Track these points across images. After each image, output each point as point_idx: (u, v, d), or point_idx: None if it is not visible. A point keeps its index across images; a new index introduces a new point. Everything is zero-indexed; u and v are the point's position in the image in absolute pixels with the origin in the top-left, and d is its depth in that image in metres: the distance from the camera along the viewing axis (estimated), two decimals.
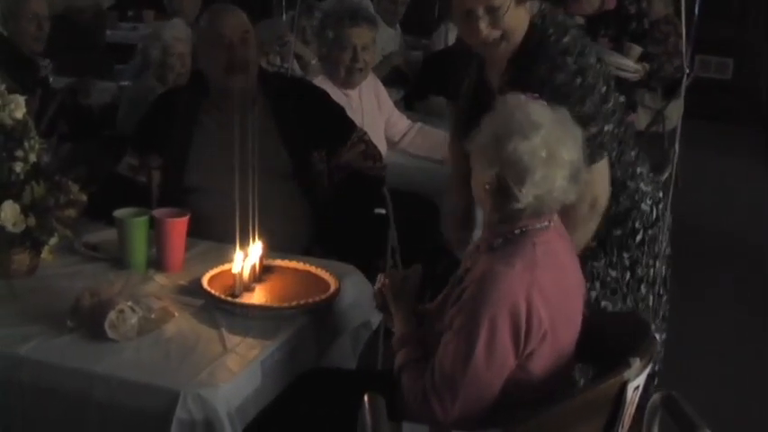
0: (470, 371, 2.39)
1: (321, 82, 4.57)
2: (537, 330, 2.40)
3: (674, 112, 7.09)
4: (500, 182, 2.43)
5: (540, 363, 2.46)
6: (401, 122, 5.04)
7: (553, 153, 2.41)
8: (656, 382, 3.16)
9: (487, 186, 2.46)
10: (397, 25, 7.82)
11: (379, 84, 5.08)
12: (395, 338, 2.66)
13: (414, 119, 5.23)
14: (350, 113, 4.06)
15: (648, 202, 3.20)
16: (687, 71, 5.35)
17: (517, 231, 2.49)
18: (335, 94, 4.44)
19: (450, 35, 7.58)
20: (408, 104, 6.04)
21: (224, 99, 3.63)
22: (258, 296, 2.80)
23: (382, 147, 4.68)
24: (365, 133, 3.91)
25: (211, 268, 2.93)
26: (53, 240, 2.94)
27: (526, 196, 2.42)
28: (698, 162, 7.96)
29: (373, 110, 4.93)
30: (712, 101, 9.38)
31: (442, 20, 7.97)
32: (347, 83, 4.75)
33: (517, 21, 2.89)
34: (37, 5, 5.48)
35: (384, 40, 7.48)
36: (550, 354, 2.46)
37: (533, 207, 2.45)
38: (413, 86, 6.39)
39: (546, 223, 2.52)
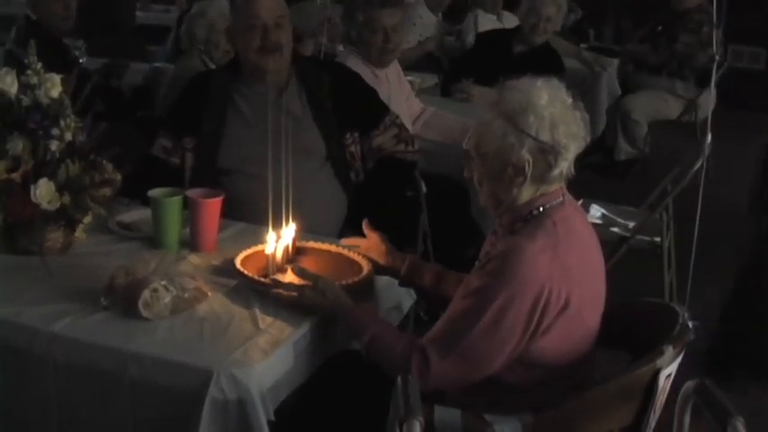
0: (472, 333, 2.42)
1: (353, 63, 4.58)
2: (555, 305, 2.42)
3: (707, 101, 7.06)
4: (541, 151, 2.45)
5: (557, 339, 2.47)
6: (415, 106, 5.06)
7: (562, 100, 2.50)
8: None
9: (528, 162, 2.46)
10: (440, 13, 7.84)
11: (398, 65, 5.10)
12: (352, 322, 2.63)
13: (447, 106, 5.25)
14: (380, 94, 4.06)
15: None
16: (718, 59, 5.32)
17: (535, 212, 2.52)
18: (366, 75, 4.45)
19: (479, 22, 7.59)
20: (444, 90, 6.05)
21: (257, 81, 3.63)
22: (291, 277, 2.80)
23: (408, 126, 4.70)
24: (398, 117, 3.91)
25: (245, 249, 2.92)
26: (87, 219, 2.96)
27: (567, 149, 2.47)
28: (729, 151, 7.92)
29: (400, 91, 4.95)
30: (745, 90, 9.31)
31: (471, 8, 7.98)
32: (379, 62, 4.77)
33: None
34: None
35: (424, 25, 7.51)
36: (569, 330, 2.48)
37: (569, 164, 2.50)
38: (450, 70, 6.38)
39: (560, 198, 2.55)
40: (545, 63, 5.99)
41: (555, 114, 2.46)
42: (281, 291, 2.68)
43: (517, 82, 2.53)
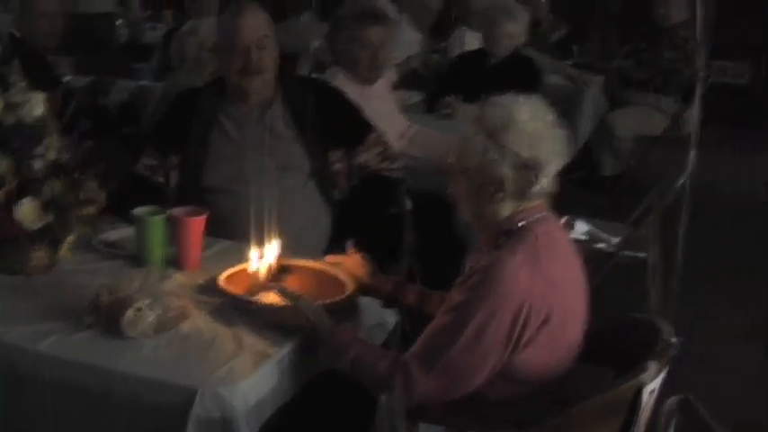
0: (454, 348, 2.42)
1: (340, 81, 4.58)
2: (536, 319, 2.43)
3: (692, 116, 7.08)
4: (522, 167, 2.47)
5: (538, 353, 2.47)
6: (400, 123, 5.06)
7: (544, 116, 2.53)
8: None
9: (509, 178, 2.48)
10: (427, 31, 7.85)
11: (388, 80, 5.11)
12: (333, 344, 2.61)
13: (431, 123, 5.27)
14: (367, 111, 4.07)
15: None
16: (702, 74, 5.35)
17: (516, 227, 2.53)
18: (355, 91, 4.45)
19: (465, 38, 7.61)
20: (429, 107, 6.07)
21: (241, 100, 3.63)
22: (274, 295, 2.80)
23: (395, 144, 4.70)
24: (382, 134, 3.92)
25: (229, 267, 2.93)
26: (71, 237, 2.96)
27: (548, 165, 2.49)
28: (713, 166, 7.95)
29: (388, 108, 4.96)
30: (730, 105, 9.35)
31: (458, 24, 8.01)
32: (367, 79, 4.78)
33: None
34: (46, 3, 5.51)
35: (409, 42, 7.52)
36: (551, 344, 2.49)
37: (550, 180, 2.52)
38: (434, 88, 6.40)
39: (542, 213, 2.57)
40: (519, 71, 6.04)
41: (536, 131, 2.48)
42: (263, 312, 2.68)
43: (499, 98, 2.55)
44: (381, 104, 4.87)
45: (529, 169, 2.48)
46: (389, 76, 5.15)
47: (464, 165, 2.53)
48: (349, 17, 4.82)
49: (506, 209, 2.54)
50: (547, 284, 2.44)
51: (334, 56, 4.94)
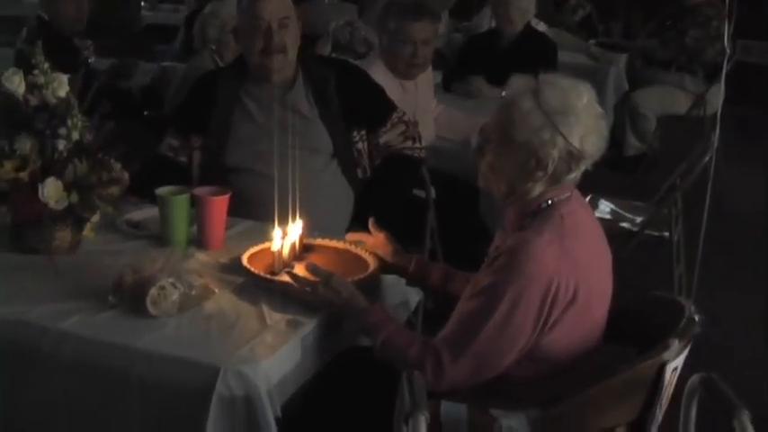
0: (483, 332, 2.42)
1: (378, 70, 4.57)
2: (563, 298, 2.42)
3: (716, 96, 7.05)
4: (568, 154, 2.48)
5: (565, 333, 2.47)
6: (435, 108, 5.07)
7: (595, 107, 2.53)
8: None
9: (554, 161, 2.48)
10: (446, 11, 7.82)
11: (431, 71, 5.08)
12: (365, 323, 2.62)
13: (450, 102, 5.26)
14: (403, 103, 4.07)
15: None
16: (728, 54, 5.32)
17: (544, 205, 2.53)
18: (392, 83, 4.47)
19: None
20: (446, 86, 6.05)
21: (263, 80, 3.64)
22: (301, 274, 2.80)
23: (430, 134, 4.70)
24: (404, 113, 3.91)
25: (252, 246, 2.93)
26: (95, 217, 2.97)
27: (589, 159, 2.52)
28: (738, 146, 7.92)
29: (427, 99, 4.95)
30: (754, 85, 9.28)
31: (485, 2, 7.97)
32: (406, 75, 4.76)
33: None
34: None
35: None
36: (577, 323, 2.48)
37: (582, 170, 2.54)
38: (452, 67, 6.39)
39: (568, 194, 2.56)
40: (534, 48, 6.00)
41: (589, 123, 2.49)
42: (294, 285, 2.68)
43: (556, 78, 2.54)
44: (421, 98, 4.86)
45: (573, 158, 2.49)
46: (431, 74, 5.11)
47: (512, 136, 2.50)
48: (397, 7, 4.80)
49: (538, 188, 2.54)
50: (573, 263, 2.44)
51: (380, 43, 4.91)
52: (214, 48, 5.29)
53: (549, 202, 2.53)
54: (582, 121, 2.48)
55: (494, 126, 2.56)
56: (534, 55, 5.61)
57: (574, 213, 2.54)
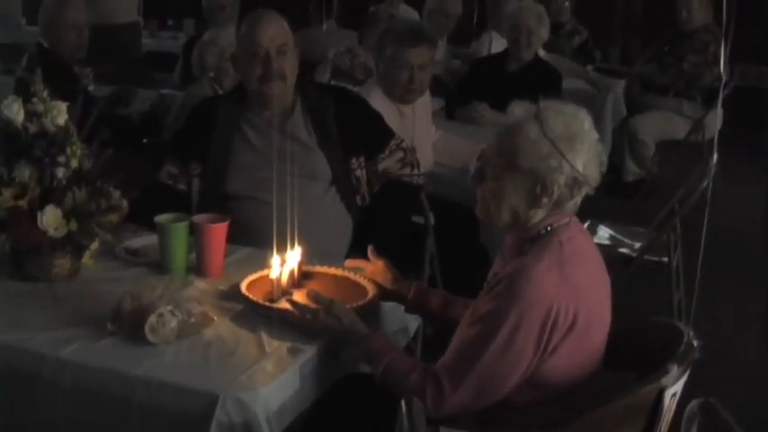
0: (484, 358, 2.42)
1: (376, 97, 4.58)
2: (563, 324, 2.42)
3: (714, 121, 7.07)
4: (573, 180, 2.50)
5: (564, 358, 2.47)
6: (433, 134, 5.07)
7: (594, 133, 2.56)
8: None
9: (560, 187, 2.50)
10: (444, 37, 7.85)
11: (428, 96, 5.09)
12: (368, 350, 2.62)
13: (452, 129, 5.27)
14: (400, 129, 4.08)
15: None
16: (725, 79, 5.33)
17: (543, 231, 2.53)
18: (389, 109, 4.48)
19: (494, 43, 7.61)
20: (449, 113, 6.07)
21: (262, 107, 3.65)
22: (301, 298, 2.80)
23: (429, 160, 4.70)
24: (403, 140, 3.92)
25: (251, 274, 2.93)
26: (94, 245, 2.97)
27: (589, 186, 2.53)
28: (736, 170, 7.93)
29: (425, 124, 4.95)
30: (753, 110, 9.30)
31: (485, 28, 7.99)
32: (403, 100, 4.76)
33: None
34: (75, 15, 5.55)
35: None
36: (576, 349, 2.48)
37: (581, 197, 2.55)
38: (454, 93, 6.40)
39: (567, 219, 2.57)
40: (540, 76, 6.02)
41: (591, 148, 2.51)
42: (294, 312, 2.68)
43: (557, 104, 2.56)
44: (419, 123, 4.86)
45: (576, 184, 2.51)
46: (428, 100, 5.11)
47: (518, 163, 2.50)
48: (394, 34, 4.80)
49: (540, 214, 2.54)
50: (573, 289, 2.44)
51: (377, 70, 4.92)
52: (213, 75, 5.30)
53: (549, 228, 2.54)
54: (585, 147, 2.49)
55: (496, 153, 2.56)
56: (540, 83, 5.62)
57: (573, 239, 2.54)
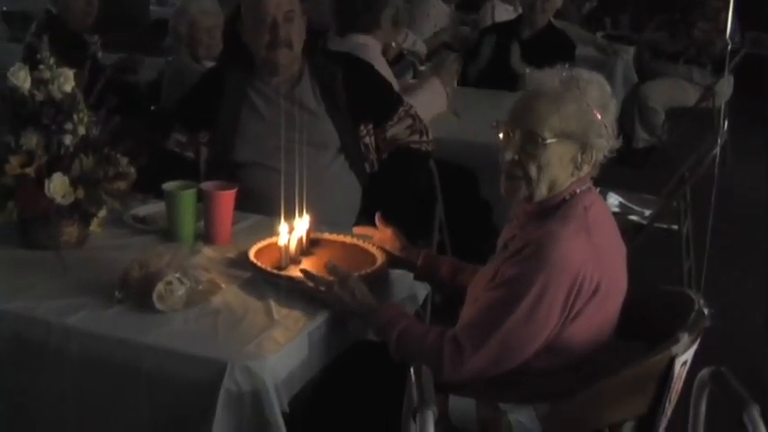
0: (507, 323, 2.42)
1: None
2: (587, 290, 2.42)
3: (724, 88, 7.04)
4: (608, 142, 2.53)
5: (584, 326, 2.47)
6: None
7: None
8: None
9: (600, 151, 2.53)
10: (453, 4, 7.82)
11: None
12: (380, 321, 2.60)
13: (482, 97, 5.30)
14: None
15: None
16: (732, 46, 5.31)
17: (567, 197, 2.52)
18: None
19: (496, 12, 7.58)
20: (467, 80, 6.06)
21: (270, 75, 3.63)
22: (309, 266, 2.79)
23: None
24: (411, 107, 3.90)
25: (259, 241, 2.93)
26: (102, 212, 2.96)
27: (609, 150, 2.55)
28: (746, 138, 7.91)
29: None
30: (764, 77, 9.25)
31: None
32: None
33: None
34: None
35: (438, 16, 7.49)
36: (595, 316, 2.48)
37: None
38: (468, 60, 6.38)
39: (588, 185, 2.57)
40: (554, 43, 6.01)
41: (614, 114, 2.55)
42: (306, 281, 2.68)
43: (584, 72, 2.57)
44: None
45: (608, 150, 2.55)
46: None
47: (569, 131, 2.48)
48: None
49: (569, 181, 2.54)
50: (597, 255, 2.44)
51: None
52: (187, 45, 5.22)
53: (572, 194, 2.53)
54: (613, 114, 2.53)
55: (539, 124, 2.49)
56: (554, 50, 5.59)
57: (594, 205, 2.54)
